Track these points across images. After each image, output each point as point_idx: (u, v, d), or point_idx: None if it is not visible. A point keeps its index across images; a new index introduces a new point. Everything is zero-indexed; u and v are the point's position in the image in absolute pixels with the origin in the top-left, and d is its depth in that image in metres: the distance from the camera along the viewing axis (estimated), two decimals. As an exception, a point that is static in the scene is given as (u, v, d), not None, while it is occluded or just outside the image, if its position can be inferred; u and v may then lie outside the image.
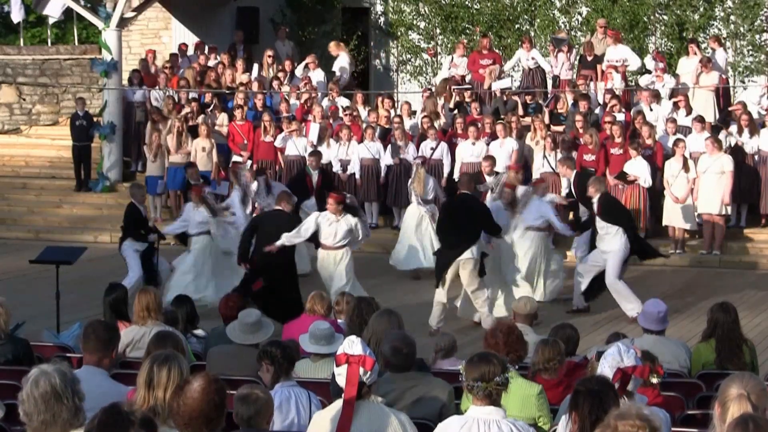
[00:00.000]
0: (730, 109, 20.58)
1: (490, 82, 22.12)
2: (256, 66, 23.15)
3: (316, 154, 18.93)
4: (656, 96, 20.39)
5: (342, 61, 23.25)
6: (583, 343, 10.28)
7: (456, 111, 21.41)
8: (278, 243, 13.94)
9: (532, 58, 22.45)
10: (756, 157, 19.18)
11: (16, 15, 26.60)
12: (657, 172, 18.62)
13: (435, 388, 7.19)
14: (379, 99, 21.85)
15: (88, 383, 5.45)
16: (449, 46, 24.51)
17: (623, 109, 20.31)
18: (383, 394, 6.73)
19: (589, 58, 21.89)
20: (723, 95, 21.48)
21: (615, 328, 13.79)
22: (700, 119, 19.45)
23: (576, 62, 22.26)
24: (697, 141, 18.97)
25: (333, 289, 14.04)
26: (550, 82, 22.58)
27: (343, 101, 22.02)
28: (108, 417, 4.50)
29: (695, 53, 21.36)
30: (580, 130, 19.36)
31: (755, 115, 20.14)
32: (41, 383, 4.87)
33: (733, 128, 19.37)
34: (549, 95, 21.74)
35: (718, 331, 9.55)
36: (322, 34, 25.83)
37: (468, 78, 22.54)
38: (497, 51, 23.46)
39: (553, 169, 18.84)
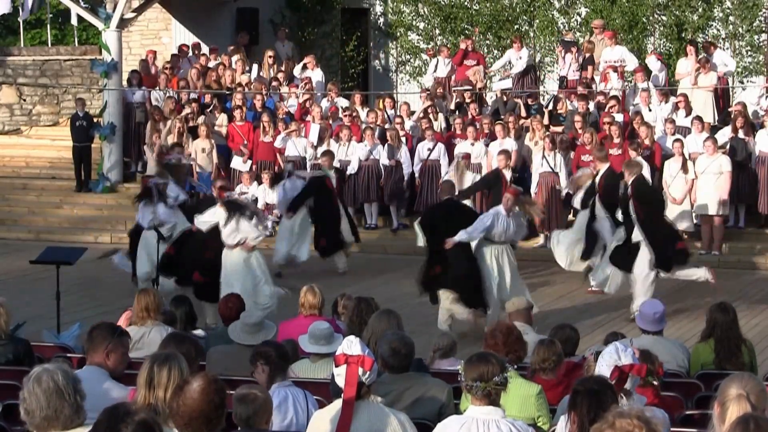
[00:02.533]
0: (729, 109, 20.58)
1: (475, 82, 22.18)
2: (255, 66, 23.17)
3: (328, 153, 18.69)
4: (664, 95, 20.40)
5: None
6: (583, 343, 10.29)
7: (457, 112, 21.44)
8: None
9: (520, 58, 22.44)
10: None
11: (26, 12, 26.56)
12: (655, 173, 18.63)
13: (433, 388, 7.21)
14: (382, 100, 21.87)
15: (90, 383, 5.47)
16: (448, 46, 24.53)
17: (621, 110, 20.33)
18: (382, 395, 6.74)
19: (587, 58, 21.91)
20: (722, 96, 21.48)
21: (614, 328, 13.81)
22: (700, 119, 19.47)
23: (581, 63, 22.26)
24: (696, 141, 18.98)
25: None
26: (557, 84, 22.58)
27: (342, 102, 22.04)
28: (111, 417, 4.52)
29: (693, 54, 21.37)
30: (579, 131, 19.39)
31: (755, 116, 20.16)
32: (44, 379, 4.91)
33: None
34: (547, 96, 21.77)
35: (716, 332, 9.56)
36: (321, 34, 25.86)
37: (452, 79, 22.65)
38: (481, 52, 23.54)
39: (552, 169, 18.86)
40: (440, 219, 14.56)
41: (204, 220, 14.49)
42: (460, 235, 13.96)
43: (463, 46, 22.76)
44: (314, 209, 17.90)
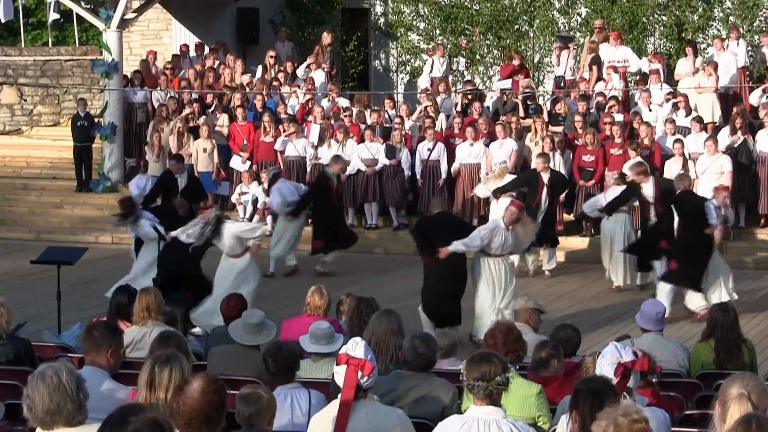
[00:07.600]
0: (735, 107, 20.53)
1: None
2: (260, 67, 23.21)
3: (339, 160, 18.34)
4: (673, 95, 20.38)
5: None
6: (584, 343, 10.29)
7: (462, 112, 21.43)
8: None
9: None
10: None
11: (5, 14, 26.57)
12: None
13: (438, 389, 7.21)
14: (384, 100, 21.88)
15: (91, 384, 5.48)
16: (449, 46, 24.53)
17: (622, 110, 20.31)
18: (387, 392, 6.75)
19: (594, 58, 21.88)
20: (721, 98, 21.44)
21: (614, 328, 13.84)
22: (699, 120, 19.46)
23: (577, 61, 22.22)
24: (696, 141, 18.97)
25: None
26: (552, 83, 22.56)
27: (343, 102, 22.03)
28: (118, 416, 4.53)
29: (692, 55, 21.37)
30: (579, 131, 19.38)
31: (755, 116, 20.14)
32: (48, 375, 4.95)
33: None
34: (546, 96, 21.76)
35: (717, 332, 9.55)
36: (321, 35, 25.84)
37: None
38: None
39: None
40: (434, 229, 13.95)
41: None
42: (456, 245, 13.39)
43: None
44: (314, 210, 17.89)
